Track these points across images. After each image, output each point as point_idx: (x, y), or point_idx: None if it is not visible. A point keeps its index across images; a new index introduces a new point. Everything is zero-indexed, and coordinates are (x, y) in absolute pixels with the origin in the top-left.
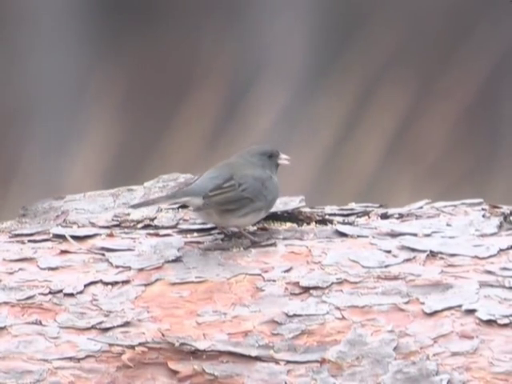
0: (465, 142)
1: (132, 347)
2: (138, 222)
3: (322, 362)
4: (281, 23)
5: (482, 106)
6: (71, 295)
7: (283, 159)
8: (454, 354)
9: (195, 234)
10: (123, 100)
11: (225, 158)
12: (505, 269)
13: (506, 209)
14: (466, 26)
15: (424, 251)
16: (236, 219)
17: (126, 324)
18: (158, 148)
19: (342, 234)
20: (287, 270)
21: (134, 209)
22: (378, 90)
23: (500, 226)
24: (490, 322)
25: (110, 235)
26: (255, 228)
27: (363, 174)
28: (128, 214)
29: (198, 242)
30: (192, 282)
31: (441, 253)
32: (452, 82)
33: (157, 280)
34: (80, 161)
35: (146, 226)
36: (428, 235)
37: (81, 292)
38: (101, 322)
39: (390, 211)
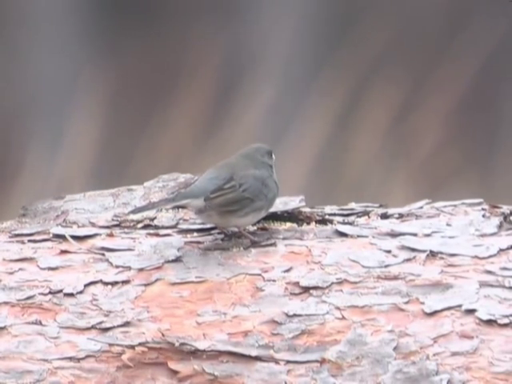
0: (457, 137)
1: (132, 347)
2: (138, 221)
3: (322, 361)
4: (272, 19)
5: (474, 101)
6: (71, 295)
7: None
8: (454, 354)
9: (195, 234)
10: (118, 98)
11: (215, 154)
12: (505, 269)
13: (505, 209)
14: (458, 21)
15: (424, 251)
16: (236, 219)
17: (126, 324)
18: (151, 145)
19: (342, 234)
20: (287, 270)
21: (134, 214)
22: (370, 85)
23: (500, 226)
24: (490, 322)
25: (110, 235)
26: (255, 228)
27: (356, 169)
28: (128, 214)
29: (198, 242)
30: (192, 282)
31: (441, 253)
32: (444, 77)
33: (157, 280)
34: (76, 159)
35: (145, 226)
36: (428, 235)
37: (81, 292)
38: (101, 322)
39: (390, 211)
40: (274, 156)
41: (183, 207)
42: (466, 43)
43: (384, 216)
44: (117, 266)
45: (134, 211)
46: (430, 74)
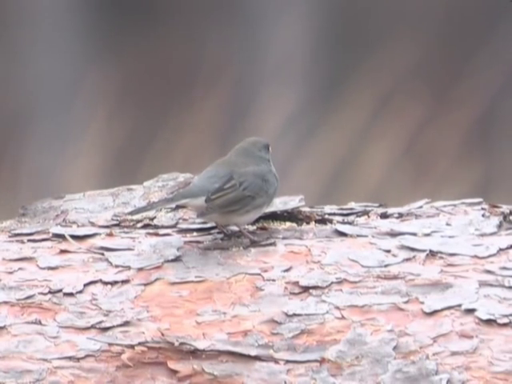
0: (476, 153)
1: (131, 347)
2: (138, 221)
3: (322, 361)
4: (293, 30)
5: (492, 117)
6: (71, 295)
7: None
8: (454, 354)
9: (195, 234)
10: (122, 99)
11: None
12: (504, 268)
13: (505, 208)
14: (477, 37)
15: (423, 251)
16: (237, 217)
17: (126, 323)
18: (157, 148)
19: (342, 234)
20: (287, 270)
21: (132, 215)
22: (390, 100)
23: (499, 226)
24: (490, 322)
25: (110, 235)
26: (255, 227)
27: (374, 182)
28: (127, 215)
29: (198, 242)
30: (191, 282)
31: (440, 252)
32: (465, 92)
33: (156, 279)
34: (78, 160)
35: (145, 226)
36: (427, 235)
37: (80, 291)
38: (100, 322)
39: (390, 211)
40: (270, 149)
41: (183, 207)
42: (485, 59)
43: (383, 216)
44: (116, 266)
45: (133, 212)
46: (451, 88)
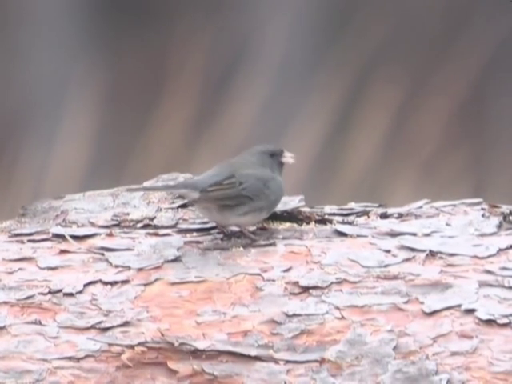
0: (459, 138)
1: (131, 347)
2: (138, 221)
3: (322, 361)
4: (267, 14)
5: (475, 102)
6: (71, 295)
7: (287, 157)
8: (454, 354)
9: (195, 234)
10: (115, 97)
11: (211, 152)
12: (504, 268)
13: (505, 208)
14: (459, 20)
15: (423, 251)
16: (236, 218)
17: (126, 324)
18: (148, 143)
19: (342, 234)
20: (287, 270)
21: (131, 192)
22: (369, 83)
23: (499, 226)
24: (490, 322)
25: (110, 235)
26: (255, 227)
27: (356, 169)
28: (127, 214)
29: (198, 242)
30: (191, 282)
31: (440, 252)
32: (445, 77)
33: (156, 280)
34: (73, 158)
35: (145, 226)
36: (427, 235)
37: (80, 292)
38: (100, 322)
39: (390, 211)
40: (286, 154)
41: (183, 205)
42: (467, 43)
43: (383, 216)
44: (116, 266)
45: (131, 189)
46: (431, 72)
